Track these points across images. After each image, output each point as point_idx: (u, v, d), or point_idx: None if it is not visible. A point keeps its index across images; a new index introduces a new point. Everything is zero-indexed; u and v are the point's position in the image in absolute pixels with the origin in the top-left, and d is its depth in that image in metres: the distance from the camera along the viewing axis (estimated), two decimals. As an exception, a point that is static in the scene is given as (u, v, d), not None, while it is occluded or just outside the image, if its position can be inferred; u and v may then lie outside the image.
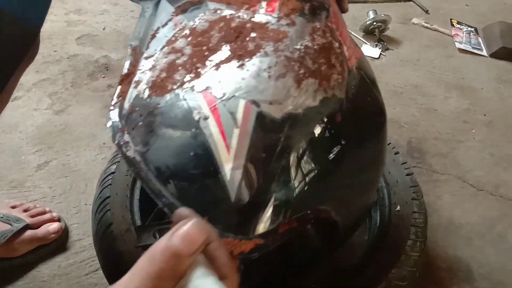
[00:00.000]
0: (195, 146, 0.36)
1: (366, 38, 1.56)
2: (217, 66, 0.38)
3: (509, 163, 1.15)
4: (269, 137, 0.37)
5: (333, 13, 0.45)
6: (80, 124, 1.11)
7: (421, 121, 1.25)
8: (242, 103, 0.36)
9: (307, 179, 0.40)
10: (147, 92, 0.40)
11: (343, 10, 0.53)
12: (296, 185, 0.39)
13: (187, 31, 0.43)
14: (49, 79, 1.24)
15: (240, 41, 0.40)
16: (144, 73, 0.41)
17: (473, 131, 1.24)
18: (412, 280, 0.64)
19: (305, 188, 0.40)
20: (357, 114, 0.45)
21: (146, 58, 0.43)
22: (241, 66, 0.38)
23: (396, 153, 0.83)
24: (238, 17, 0.42)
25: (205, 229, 0.26)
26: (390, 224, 0.71)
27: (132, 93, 0.41)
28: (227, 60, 0.38)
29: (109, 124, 0.41)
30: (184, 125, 0.37)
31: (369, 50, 1.50)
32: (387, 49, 1.53)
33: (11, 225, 0.77)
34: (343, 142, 0.43)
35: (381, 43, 1.53)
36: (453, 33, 1.65)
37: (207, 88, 0.37)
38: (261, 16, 0.41)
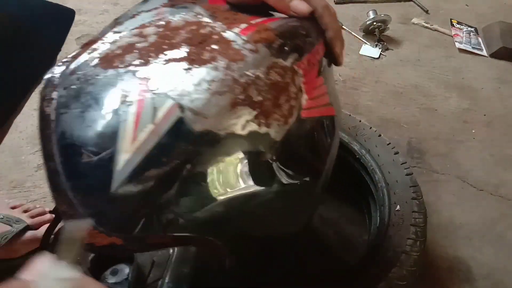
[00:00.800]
0: (106, 125, 0.35)
1: (366, 38, 1.56)
2: (167, 62, 0.38)
3: (509, 163, 1.15)
4: (177, 145, 0.36)
5: (308, 60, 0.44)
6: (80, 124, 1.11)
7: (421, 121, 1.25)
8: (169, 103, 0.35)
9: (199, 203, 0.38)
10: (95, 61, 0.39)
11: (337, 61, 0.51)
12: (185, 204, 0.38)
13: (162, 22, 0.43)
14: (49, 79, 1.24)
15: (200, 48, 0.39)
16: (104, 44, 0.41)
17: (473, 131, 1.24)
18: (412, 279, 0.64)
19: (194, 211, 0.38)
20: (287, 165, 0.43)
21: (115, 32, 0.43)
22: (188, 69, 0.37)
23: (396, 153, 0.83)
24: (212, 27, 0.42)
25: None
26: (390, 224, 0.71)
27: (83, 57, 0.41)
28: (179, 59, 0.38)
29: (47, 76, 0.40)
30: (107, 102, 0.36)
31: (369, 50, 1.50)
32: (387, 49, 1.53)
33: (11, 226, 0.78)
34: (255, 185, 0.41)
35: (381, 43, 1.53)
36: (453, 33, 1.65)
37: (146, 77, 0.37)
38: (231, 34, 0.41)
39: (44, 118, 0.38)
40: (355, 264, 0.69)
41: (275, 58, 0.41)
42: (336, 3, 1.75)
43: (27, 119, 1.10)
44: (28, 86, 0.56)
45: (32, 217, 0.82)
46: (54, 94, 0.38)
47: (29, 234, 0.79)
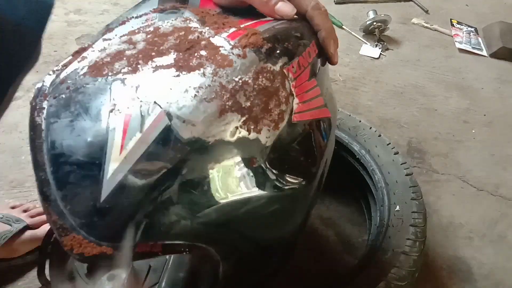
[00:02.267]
0: (95, 134, 0.35)
1: (366, 38, 1.56)
2: (156, 69, 0.38)
3: (509, 163, 1.15)
4: (166, 153, 0.35)
5: (299, 63, 0.44)
6: (80, 124, 1.10)
7: (421, 121, 1.25)
8: (157, 110, 0.35)
9: (189, 211, 0.38)
10: (85, 70, 0.39)
11: (331, 61, 0.50)
12: (174, 212, 0.37)
13: (151, 28, 0.43)
14: (49, 79, 1.24)
15: (188, 54, 0.39)
16: (94, 52, 0.41)
17: (473, 131, 1.24)
18: (411, 280, 0.64)
19: (184, 219, 0.38)
20: (279, 169, 0.43)
21: (104, 40, 0.43)
22: (176, 76, 0.37)
23: (396, 153, 0.83)
24: (200, 32, 0.42)
25: None
26: (389, 224, 0.71)
27: (73, 66, 0.40)
28: (167, 66, 0.38)
29: (38, 85, 0.40)
30: (96, 111, 0.36)
31: (369, 50, 1.50)
32: (387, 49, 1.53)
33: (11, 225, 0.78)
34: (246, 191, 0.40)
35: (381, 43, 1.53)
36: (453, 33, 1.65)
37: (135, 85, 0.37)
38: (219, 39, 0.40)
39: (34, 128, 0.38)
40: (354, 264, 0.69)
41: (263, 63, 0.40)
42: (336, 3, 1.75)
43: (26, 119, 1.10)
44: (12, 77, 0.56)
45: (32, 216, 0.82)
46: (45, 104, 0.38)
47: (29, 233, 0.79)
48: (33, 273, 0.80)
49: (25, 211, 0.83)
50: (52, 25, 1.43)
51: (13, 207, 0.84)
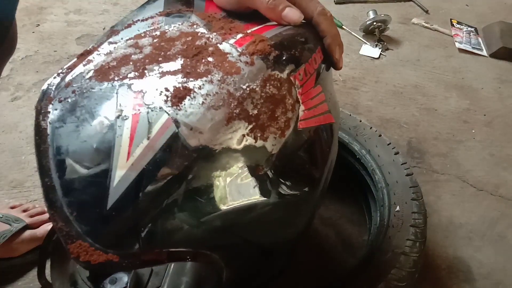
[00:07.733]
0: (101, 140, 0.35)
1: (366, 38, 1.56)
2: (162, 74, 0.37)
3: (509, 163, 1.15)
4: (173, 160, 0.35)
5: (305, 70, 0.44)
6: (80, 124, 1.10)
7: (421, 121, 1.25)
8: (164, 117, 0.35)
9: (195, 218, 0.38)
10: (90, 74, 0.39)
11: (336, 66, 0.50)
12: (181, 219, 0.37)
13: (157, 33, 0.43)
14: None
15: (196, 60, 0.39)
16: (100, 56, 0.41)
17: (473, 131, 1.24)
18: (411, 280, 0.64)
19: (191, 227, 0.38)
20: (284, 176, 0.43)
21: (110, 43, 0.42)
22: (183, 83, 0.37)
23: (396, 153, 0.83)
24: (207, 37, 0.41)
25: None
26: (389, 225, 0.71)
27: (78, 69, 0.40)
28: (174, 72, 0.37)
29: (43, 87, 0.39)
30: (102, 117, 0.36)
31: (369, 50, 1.50)
32: (387, 49, 1.53)
33: (10, 225, 0.78)
34: (251, 199, 0.40)
35: (381, 43, 1.53)
36: (453, 33, 1.65)
37: (142, 90, 0.36)
38: (226, 46, 0.40)
39: (40, 133, 0.37)
40: (354, 264, 0.69)
41: (271, 71, 0.40)
42: (336, 3, 1.75)
43: (26, 119, 1.10)
44: None
45: (31, 216, 0.82)
46: (50, 107, 0.38)
47: (28, 233, 0.79)
48: (33, 273, 0.80)
49: (24, 211, 0.83)
50: (52, 25, 1.43)
51: (12, 207, 0.84)
